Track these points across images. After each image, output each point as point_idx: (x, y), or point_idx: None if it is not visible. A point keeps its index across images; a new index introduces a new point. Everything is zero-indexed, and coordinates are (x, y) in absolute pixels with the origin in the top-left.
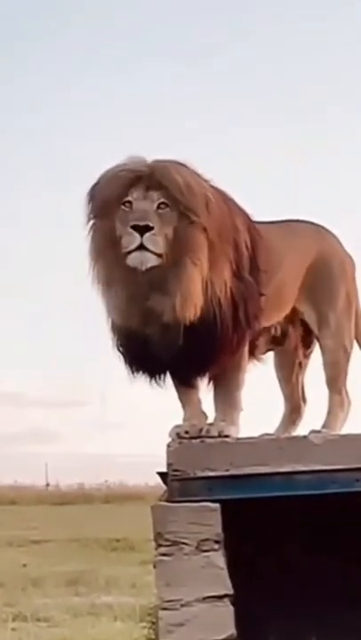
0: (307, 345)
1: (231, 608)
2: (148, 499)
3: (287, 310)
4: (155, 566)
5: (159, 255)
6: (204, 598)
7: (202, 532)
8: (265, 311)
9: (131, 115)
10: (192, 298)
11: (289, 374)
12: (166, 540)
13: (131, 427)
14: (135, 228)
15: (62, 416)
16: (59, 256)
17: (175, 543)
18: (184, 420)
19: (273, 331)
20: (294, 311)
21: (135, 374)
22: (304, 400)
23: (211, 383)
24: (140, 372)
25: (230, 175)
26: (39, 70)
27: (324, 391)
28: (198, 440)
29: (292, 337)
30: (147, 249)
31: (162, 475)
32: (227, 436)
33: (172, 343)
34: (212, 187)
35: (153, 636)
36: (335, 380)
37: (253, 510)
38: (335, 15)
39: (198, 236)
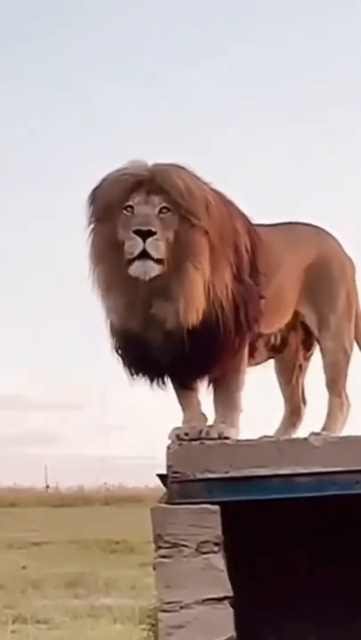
0: (307, 347)
1: (231, 610)
2: (147, 501)
3: (288, 315)
4: (154, 568)
5: (161, 261)
6: (204, 600)
7: (201, 534)
8: (265, 314)
9: (131, 116)
10: (195, 302)
11: (289, 376)
12: (166, 542)
13: (130, 429)
14: (138, 232)
15: (62, 418)
16: (59, 258)
17: (175, 545)
18: (184, 421)
19: (273, 339)
20: (295, 315)
21: (134, 377)
22: (304, 402)
23: (211, 385)
24: (140, 374)
25: (230, 177)
26: (40, 72)
27: (323, 393)
28: (198, 442)
29: (293, 342)
30: (149, 255)
31: (161, 477)
32: (226, 438)
33: (174, 348)
34: (212, 189)
35: (152, 639)
36: (335, 383)
37: (253, 512)
38: (335, 15)
39: (200, 240)
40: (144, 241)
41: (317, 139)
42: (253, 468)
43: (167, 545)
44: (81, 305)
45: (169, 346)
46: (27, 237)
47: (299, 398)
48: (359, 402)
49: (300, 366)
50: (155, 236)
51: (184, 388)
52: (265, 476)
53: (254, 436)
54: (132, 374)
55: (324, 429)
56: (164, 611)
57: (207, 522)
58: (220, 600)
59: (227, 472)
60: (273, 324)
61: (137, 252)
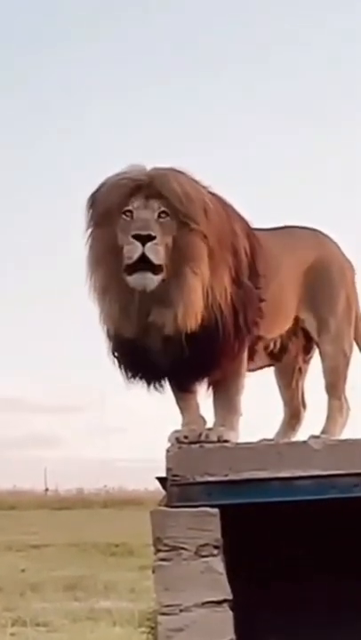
0: (307, 351)
1: (230, 613)
2: (147, 504)
3: (289, 320)
4: (154, 571)
5: (160, 268)
6: (204, 603)
7: (201, 537)
8: (266, 317)
9: (130, 118)
10: (194, 308)
11: (289, 380)
12: (165, 544)
13: (130, 432)
14: (137, 237)
15: (62, 421)
16: (59, 261)
17: (174, 548)
18: (183, 424)
19: (273, 345)
20: (296, 321)
21: (131, 380)
22: (304, 405)
23: (210, 388)
24: (137, 378)
25: (229, 179)
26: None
27: (323, 396)
28: (197, 445)
29: (293, 348)
30: (148, 261)
31: (161, 480)
32: (226, 441)
33: (173, 352)
34: (211, 193)
35: None
36: (335, 386)
37: (253, 515)
38: (335, 16)
39: (198, 244)
40: (143, 245)
41: (317, 141)
42: (253, 471)
43: (167, 548)
44: (81, 307)
45: (168, 351)
46: (26, 239)
47: (298, 401)
48: (359, 405)
49: (300, 369)
50: (154, 241)
51: (183, 390)
52: (264, 480)
53: (254, 439)
54: (128, 378)
55: (323, 432)
56: (164, 614)
57: (207, 525)
58: (219, 603)
59: (226, 475)
60: (273, 328)
61: (136, 256)
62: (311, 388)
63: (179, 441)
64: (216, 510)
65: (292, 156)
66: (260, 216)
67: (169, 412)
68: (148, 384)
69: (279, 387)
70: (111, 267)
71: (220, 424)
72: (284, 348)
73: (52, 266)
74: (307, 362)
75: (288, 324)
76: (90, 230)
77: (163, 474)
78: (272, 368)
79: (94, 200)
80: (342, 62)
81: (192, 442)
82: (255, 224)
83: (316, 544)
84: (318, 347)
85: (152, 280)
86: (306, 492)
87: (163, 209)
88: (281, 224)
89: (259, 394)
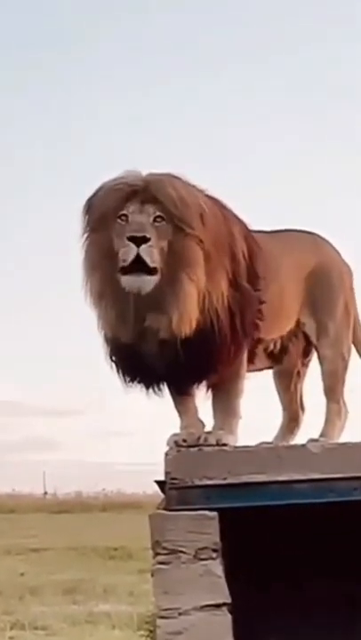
0: (305, 354)
1: (229, 617)
2: (145, 507)
3: (290, 321)
4: (152, 575)
5: (155, 271)
6: (202, 607)
7: (200, 540)
8: (266, 317)
9: (130, 117)
10: (189, 314)
11: (288, 383)
12: (164, 548)
13: (129, 435)
14: (132, 239)
15: (61, 424)
16: (58, 264)
17: (173, 551)
18: (182, 428)
19: (273, 346)
20: (297, 324)
21: (129, 384)
22: (302, 409)
23: (209, 391)
24: (135, 382)
25: (229, 179)
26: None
27: (322, 400)
28: (196, 448)
29: (293, 350)
30: (143, 262)
31: (160, 483)
32: (225, 445)
33: (168, 357)
34: (208, 196)
35: None
36: (333, 390)
37: (251, 519)
38: (335, 17)
39: (194, 249)
40: (138, 247)
41: (317, 141)
42: (252, 475)
43: (165, 551)
44: (80, 310)
45: (164, 355)
46: (26, 239)
47: (297, 405)
48: (357, 409)
49: (299, 373)
50: (149, 243)
51: (181, 394)
52: (263, 483)
53: (253, 442)
54: (126, 382)
55: (322, 436)
56: (163, 617)
57: (205, 528)
58: (218, 606)
59: (225, 478)
60: (274, 329)
61: (130, 258)
62: (310, 391)
63: (177, 444)
64: (215, 514)
65: (292, 156)
66: (259, 217)
67: (168, 416)
68: (147, 388)
69: (278, 390)
70: (107, 271)
71: (218, 427)
72: (284, 350)
73: (53, 268)
74: (306, 365)
75: (289, 326)
76: (86, 235)
77: (161, 477)
78: (271, 372)
79: (90, 205)
80: (342, 62)
81: (191, 445)
82: (255, 226)
83: (314, 547)
84: (317, 350)
85: (147, 282)
86: (305, 496)
87: (158, 213)
88: (280, 227)
89: (258, 397)
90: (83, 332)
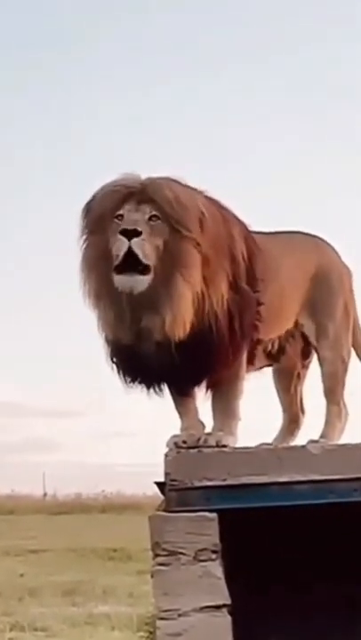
0: (305, 356)
1: (229, 618)
2: (145, 508)
3: (290, 321)
4: (152, 576)
5: (148, 269)
6: (202, 608)
7: (199, 541)
8: (266, 318)
9: (130, 117)
10: (182, 316)
11: (287, 385)
12: (164, 549)
13: (129, 436)
14: (123, 232)
15: (61, 425)
16: (58, 264)
17: (173, 553)
18: (182, 429)
19: (270, 346)
20: (295, 324)
21: (130, 385)
22: (302, 410)
23: (209, 392)
24: (135, 382)
25: (229, 179)
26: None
27: (322, 402)
28: (196, 450)
29: (291, 350)
30: (135, 256)
31: (159, 484)
32: (224, 446)
33: (165, 358)
34: (207, 197)
35: None
36: (333, 391)
37: (251, 520)
38: (335, 19)
39: (190, 251)
40: (129, 241)
41: (317, 141)
42: (251, 476)
43: (165, 553)
44: (80, 311)
45: (160, 356)
46: (26, 239)
47: (297, 406)
48: (357, 410)
49: (299, 375)
50: (141, 237)
51: (181, 395)
52: (263, 484)
53: (252, 443)
54: (127, 382)
55: (322, 437)
56: (162, 618)
57: (205, 529)
58: (218, 608)
59: (225, 480)
60: (274, 330)
61: (122, 252)
62: (310, 393)
63: (177, 446)
64: (214, 515)
65: (292, 156)
66: (259, 217)
67: (168, 417)
68: (147, 389)
69: (278, 392)
70: (103, 272)
71: (218, 429)
72: (281, 349)
73: (53, 268)
74: (305, 367)
75: (288, 326)
76: (84, 238)
77: (161, 478)
78: (271, 373)
79: (88, 208)
80: (342, 62)
81: (190, 446)
82: (255, 226)
83: (314, 549)
84: (317, 352)
85: (139, 281)
86: (304, 497)
87: (154, 213)
88: (280, 228)
89: (257, 398)
90: (83, 332)
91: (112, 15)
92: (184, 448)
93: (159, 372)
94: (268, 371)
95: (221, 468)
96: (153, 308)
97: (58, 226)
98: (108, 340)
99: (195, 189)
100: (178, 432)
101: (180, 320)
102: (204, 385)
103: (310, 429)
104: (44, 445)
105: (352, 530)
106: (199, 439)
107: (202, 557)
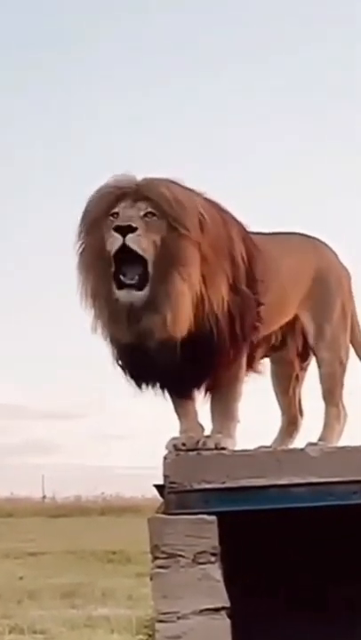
0: (303, 357)
1: (228, 621)
2: (144, 511)
3: (290, 315)
4: (151, 578)
5: (145, 280)
6: (201, 611)
7: (198, 544)
8: (266, 319)
9: (130, 117)
10: (181, 314)
11: (286, 387)
12: (163, 552)
13: (128, 439)
14: (117, 229)
15: (60, 428)
16: (58, 264)
17: (172, 555)
18: (181, 432)
19: (273, 339)
20: (295, 318)
21: (140, 388)
22: (301, 412)
23: (208, 394)
24: (144, 384)
25: (229, 180)
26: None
27: (320, 404)
28: (195, 452)
29: (290, 348)
30: (130, 251)
31: (158, 487)
32: (223, 449)
33: (165, 358)
34: (206, 199)
35: None
36: (332, 393)
37: (250, 523)
38: (336, 21)
39: (188, 249)
40: (124, 237)
41: (317, 141)
42: (250, 479)
43: (164, 555)
44: (81, 312)
45: (160, 356)
46: (26, 240)
47: (296, 409)
48: (356, 412)
49: (297, 377)
50: (136, 232)
51: (180, 397)
52: (262, 487)
53: (251, 446)
54: (137, 385)
55: (321, 440)
56: (161, 621)
57: (204, 532)
58: (217, 610)
59: (224, 482)
60: (273, 326)
61: (115, 247)
62: (309, 395)
63: (176, 448)
64: (213, 517)
65: (292, 156)
66: (259, 217)
67: (167, 420)
68: (153, 389)
69: (276, 394)
70: (100, 273)
71: (217, 431)
72: (284, 340)
73: (53, 268)
74: (304, 369)
75: (289, 317)
76: (81, 241)
77: (160, 481)
78: (269, 376)
79: (84, 212)
80: (342, 62)
81: (190, 449)
82: (255, 226)
83: (313, 551)
84: (315, 354)
85: (139, 296)
86: (303, 500)
87: (150, 210)
88: (280, 228)
89: (256, 401)
90: (83, 332)
91: (112, 15)
92: (183, 450)
93: (162, 372)
94: (267, 372)
95: (220, 471)
96: (152, 308)
97: (58, 226)
98: (111, 342)
99: (193, 190)
100: (177, 434)
101: (180, 318)
102: (203, 387)
103: (309, 431)
104: (44, 447)
105: (351, 532)
106: (198, 442)
107: (201, 560)
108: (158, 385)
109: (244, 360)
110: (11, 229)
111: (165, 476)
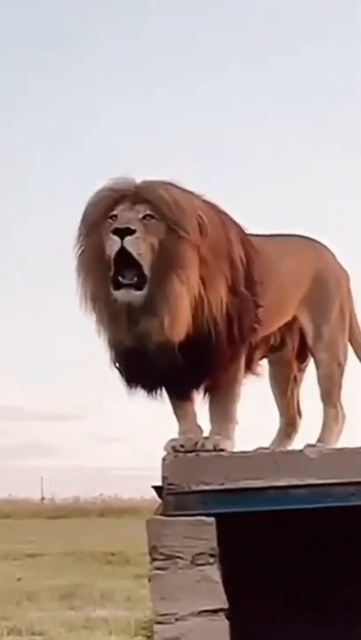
0: (302, 359)
1: (226, 622)
2: (143, 512)
3: (289, 317)
4: (150, 580)
5: (143, 280)
6: (200, 612)
7: (197, 545)
8: (264, 321)
9: (130, 117)
10: (180, 317)
11: (284, 388)
12: (161, 553)
13: (126, 440)
14: (115, 232)
15: (59, 430)
16: (58, 264)
17: (170, 557)
18: (179, 433)
19: (272, 340)
20: (294, 319)
21: (132, 389)
22: (299, 414)
23: (206, 396)
24: (138, 386)
25: (228, 181)
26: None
27: (319, 405)
28: (193, 454)
29: (289, 348)
30: (128, 254)
31: (157, 488)
32: (222, 450)
33: (163, 361)
34: (204, 201)
35: None
36: (330, 394)
37: (248, 524)
38: (335, 22)
39: (187, 252)
40: (122, 239)
41: (317, 141)
42: (249, 480)
43: (162, 557)
44: (80, 313)
45: (159, 359)
46: (26, 240)
47: (294, 410)
48: (354, 413)
49: (295, 378)
50: (135, 235)
51: (179, 398)
52: (260, 488)
53: (250, 447)
54: (130, 386)
55: (319, 441)
56: (160, 622)
57: (202, 534)
58: (215, 612)
59: (222, 484)
60: (272, 327)
61: (114, 251)
62: (307, 396)
63: (175, 450)
64: (212, 519)
65: (292, 156)
66: (259, 218)
67: (165, 421)
68: (149, 392)
69: (275, 395)
70: (99, 275)
71: (215, 433)
72: (283, 341)
73: (53, 268)
74: (302, 370)
75: (288, 318)
76: (79, 242)
77: (159, 483)
78: (268, 377)
79: (83, 215)
80: (342, 62)
81: (188, 450)
82: (254, 226)
83: (312, 553)
84: (313, 355)
85: (137, 296)
86: (302, 501)
87: (148, 212)
88: (280, 228)
89: (255, 402)
90: (83, 333)
91: (112, 15)
92: (182, 452)
93: (160, 375)
94: (266, 374)
95: (219, 472)
96: (150, 311)
97: (58, 226)
98: (110, 344)
99: (192, 193)
100: (176, 436)
101: (178, 321)
102: (202, 388)
103: (307, 433)
104: (43, 449)
105: (350, 534)
106: (197, 443)
107: (199, 561)
108: (158, 386)
109: (242, 362)
110: (11, 229)
111: (164, 478)
